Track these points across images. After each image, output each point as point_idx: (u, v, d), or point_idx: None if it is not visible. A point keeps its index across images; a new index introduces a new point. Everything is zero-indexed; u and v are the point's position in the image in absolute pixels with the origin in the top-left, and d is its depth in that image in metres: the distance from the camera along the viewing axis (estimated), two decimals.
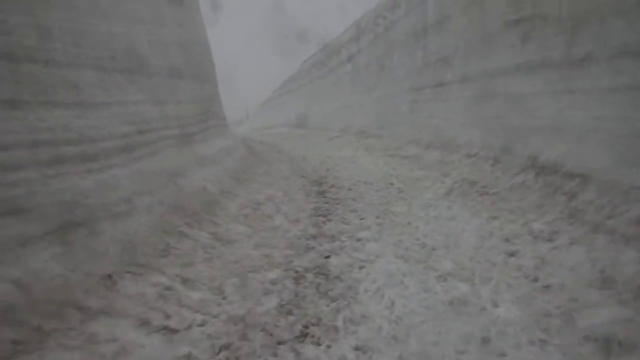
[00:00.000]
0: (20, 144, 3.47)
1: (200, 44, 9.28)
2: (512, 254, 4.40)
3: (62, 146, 3.91)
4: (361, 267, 4.39)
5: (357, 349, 3.05)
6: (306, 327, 3.30)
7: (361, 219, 6.10)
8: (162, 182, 5.36)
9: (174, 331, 3.08)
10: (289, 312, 3.48)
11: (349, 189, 7.94)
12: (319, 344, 3.09)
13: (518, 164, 6.97)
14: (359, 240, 5.22)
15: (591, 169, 5.20)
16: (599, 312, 3.15)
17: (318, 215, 6.30)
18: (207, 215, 5.44)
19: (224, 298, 3.65)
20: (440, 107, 11.96)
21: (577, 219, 4.60)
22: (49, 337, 2.69)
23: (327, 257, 4.71)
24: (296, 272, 4.27)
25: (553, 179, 5.81)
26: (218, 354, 2.92)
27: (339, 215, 6.33)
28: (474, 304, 3.53)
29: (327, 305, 3.60)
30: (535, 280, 3.81)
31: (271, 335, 3.16)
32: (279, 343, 3.08)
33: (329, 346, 3.07)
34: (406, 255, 4.66)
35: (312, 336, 3.18)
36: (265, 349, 3.00)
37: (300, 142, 16.93)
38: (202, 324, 3.23)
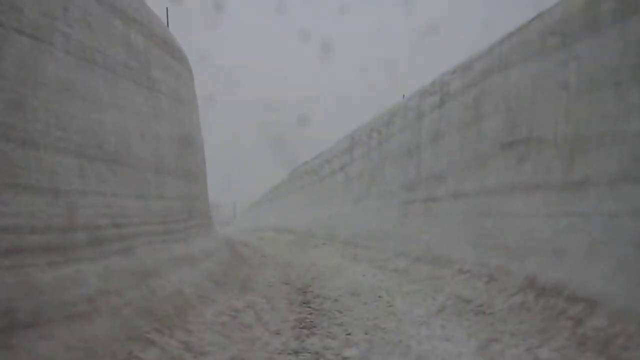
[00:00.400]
0: None
1: (194, 141, 9.19)
2: None
3: (24, 234, 3.54)
4: None
5: None
6: None
7: (348, 334, 5.60)
8: (133, 281, 4.92)
9: None
10: None
11: (335, 300, 7.47)
12: None
13: (515, 284, 6.60)
14: (345, 359, 4.71)
15: (598, 294, 4.85)
16: None
17: (302, 327, 5.80)
18: (179, 321, 4.94)
19: None
20: (431, 222, 11.76)
21: (588, 347, 4.18)
22: None
23: None
24: None
25: (555, 302, 5.43)
26: None
27: (324, 328, 5.83)
28: None
29: None
30: None
31: None
32: None
33: None
34: None
35: None
36: None
37: (287, 248, 16.52)
38: None
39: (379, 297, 7.77)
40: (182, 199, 7.66)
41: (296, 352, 4.80)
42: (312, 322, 6.11)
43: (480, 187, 9.74)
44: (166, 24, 9.63)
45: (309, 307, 6.94)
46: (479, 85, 10.33)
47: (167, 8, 11.20)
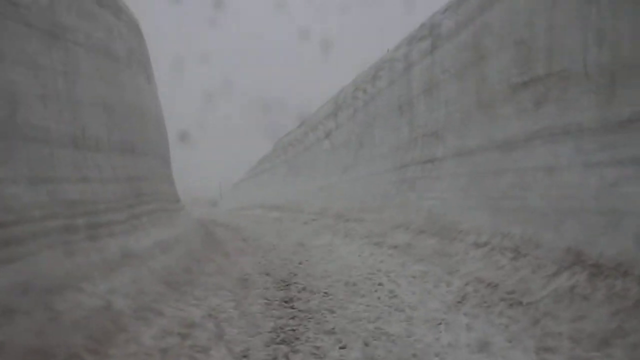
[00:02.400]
0: None
1: (141, 110, 7.51)
2: None
3: None
4: None
5: None
6: None
7: (342, 348, 4.10)
8: (23, 304, 3.34)
9: None
10: None
11: (325, 293, 5.95)
12: None
13: (553, 260, 5.09)
14: None
15: None
16: None
17: (279, 342, 4.27)
18: (93, 357, 3.38)
19: None
20: (432, 187, 10.24)
21: None
22: None
23: None
24: None
25: (625, 286, 3.92)
26: None
27: (309, 340, 4.31)
28: None
29: None
30: None
31: None
32: None
33: None
34: None
35: None
36: None
37: (272, 227, 14.97)
38: None
39: (379, 285, 6.27)
40: (122, 181, 6.04)
41: None
42: (294, 331, 4.59)
43: (488, 141, 8.20)
44: None
45: (292, 307, 5.41)
46: (478, 20, 8.70)
47: None
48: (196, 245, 8.37)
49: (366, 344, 4.17)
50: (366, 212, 12.79)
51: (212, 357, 3.85)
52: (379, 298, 5.65)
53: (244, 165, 37.11)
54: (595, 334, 3.56)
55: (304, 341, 4.30)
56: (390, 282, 6.37)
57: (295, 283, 6.59)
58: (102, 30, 6.30)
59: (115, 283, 4.58)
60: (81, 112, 5.18)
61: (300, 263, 8.24)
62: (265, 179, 28.76)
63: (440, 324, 4.57)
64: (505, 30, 7.73)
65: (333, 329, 4.60)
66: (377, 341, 4.22)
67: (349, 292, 6.00)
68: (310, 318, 4.98)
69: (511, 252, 5.94)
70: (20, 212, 3.77)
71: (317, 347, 4.14)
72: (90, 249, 4.65)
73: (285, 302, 5.63)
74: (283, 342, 4.28)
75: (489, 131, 8.28)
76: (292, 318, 4.99)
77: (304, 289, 6.25)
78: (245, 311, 5.16)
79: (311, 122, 21.59)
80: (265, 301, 5.63)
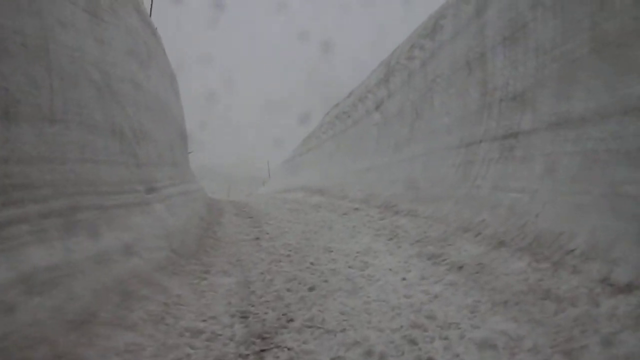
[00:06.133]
0: None
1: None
2: None
3: None
4: None
5: None
6: None
7: None
8: None
9: None
10: None
11: None
12: None
13: None
14: None
15: None
16: None
17: None
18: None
19: None
20: (515, 172, 7.05)
21: None
22: None
23: None
24: None
25: None
26: None
27: None
28: None
29: None
30: None
31: None
32: None
33: None
34: None
35: None
36: None
37: (304, 218, 12.11)
38: None
39: None
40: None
41: None
42: None
43: (615, 102, 5.02)
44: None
45: None
46: None
47: None
48: (163, 254, 5.63)
49: None
50: (421, 204, 9.70)
51: None
52: None
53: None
54: None
55: None
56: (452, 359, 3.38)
57: (277, 347, 3.71)
58: None
59: None
60: None
61: (311, 289, 5.35)
62: (311, 158, 25.86)
63: None
64: None
65: None
66: None
67: None
68: None
69: None
70: None
71: None
72: None
73: None
74: None
75: (614, 86, 5.07)
76: None
77: None
78: None
79: (360, 91, 18.44)
80: None
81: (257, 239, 8.75)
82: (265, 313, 4.52)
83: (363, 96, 17.67)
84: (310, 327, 4.16)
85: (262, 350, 3.67)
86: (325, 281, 5.74)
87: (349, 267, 6.50)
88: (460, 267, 5.53)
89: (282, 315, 4.48)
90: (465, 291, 4.75)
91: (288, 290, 5.36)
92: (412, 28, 11.20)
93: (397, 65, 14.19)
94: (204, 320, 4.25)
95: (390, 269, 6.18)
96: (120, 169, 5.70)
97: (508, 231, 5.94)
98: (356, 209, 12.42)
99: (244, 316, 4.43)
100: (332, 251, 7.63)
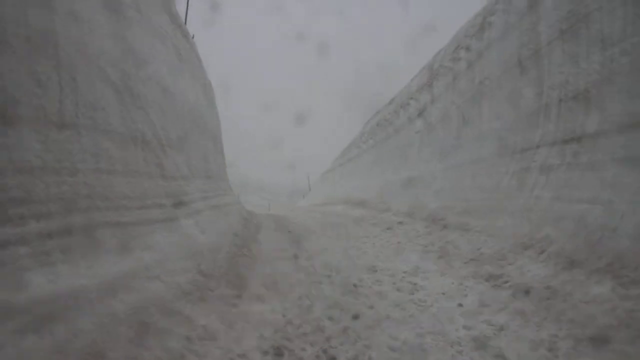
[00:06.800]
0: None
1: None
2: None
3: None
4: None
5: None
6: None
7: None
8: None
9: None
10: None
11: None
12: None
13: None
14: None
15: None
16: None
17: None
18: None
19: None
20: (581, 180, 6.25)
21: None
22: None
23: None
24: None
25: None
26: None
27: None
28: None
29: None
30: None
31: None
32: None
33: None
34: None
35: None
36: None
37: (345, 232, 11.47)
38: None
39: None
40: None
41: None
42: None
43: None
44: None
45: None
46: None
47: None
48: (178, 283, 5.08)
49: None
50: (472, 216, 8.92)
51: None
52: None
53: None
54: None
55: None
56: None
57: None
58: None
59: None
60: None
61: (355, 318, 4.70)
62: (351, 169, 25.18)
63: None
64: None
65: None
66: None
67: None
68: None
69: None
70: None
71: None
72: None
73: None
74: None
75: None
76: None
77: None
78: None
79: (401, 98, 17.72)
80: None
81: (296, 256, 8.15)
82: (303, 349, 3.90)
83: (405, 103, 16.95)
84: None
85: None
86: (371, 307, 5.08)
87: (397, 289, 5.82)
88: (527, 292, 4.78)
89: (322, 352, 3.85)
90: (537, 323, 4.01)
91: (329, 318, 4.73)
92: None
93: (441, 69, 13.44)
94: (231, 359, 3.65)
95: (442, 292, 5.47)
96: (142, 180, 5.19)
97: (579, 249, 5.16)
98: (400, 222, 11.69)
99: (279, 353, 3.82)
100: (376, 271, 6.96)
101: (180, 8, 10.52)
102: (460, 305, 4.88)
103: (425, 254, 7.84)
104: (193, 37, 10.67)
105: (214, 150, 10.84)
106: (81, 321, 3.29)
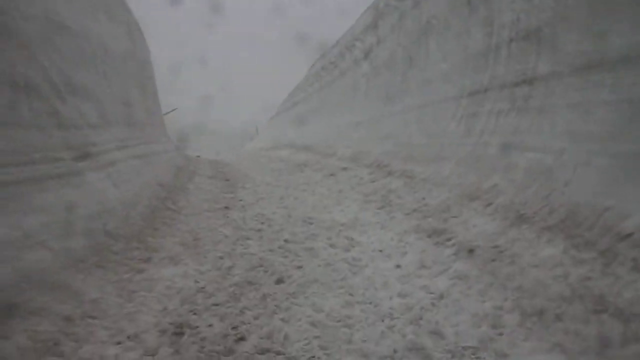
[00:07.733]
0: None
1: None
2: None
3: None
4: None
5: None
6: None
7: None
8: None
9: None
10: None
11: None
12: None
13: None
14: None
15: None
16: None
17: None
18: None
19: None
20: (531, 127, 5.77)
21: None
22: None
23: None
24: None
25: None
26: None
27: None
28: None
29: None
30: None
31: None
32: None
33: None
34: None
35: None
36: None
37: (286, 180, 10.86)
38: None
39: None
40: None
41: None
42: None
43: None
44: None
45: None
46: None
47: None
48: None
49: None
50: (417, 163, 8.44)
51: None
52: None
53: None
54: None
55: None
56: None
57: None
58: None
59: None
60: None
61: (278, 282, 4.14)
62: (297, 112, 24.35)
63: None
64: None
65: None
66: None
67: None
68: None
69: None
70: None
71: None
72: None
73: None
74: None
75: None
76: None
77: None
78: None
79: (346, 39, 16.87)
80: None
81: (227, 208, 7.50)
82: (210, 325, 3.30)
83: (350, 44, 16.12)
84: (265, 351, 2.95)
85: None
86: (299, 268, 4.53)
87: (331, 245, 5.29)
88: (471, 251, 4.31)
89: (232, 329, 3.26)
90: (480, 290, 3.53)
91: (249, 283, 4.15)
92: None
93: (386, 8, 12.64)
94: (119, 343, 3.02)
95: (380, 250, 4.96)
96: (25, 132, 4.34)
97: (528, 202, 4.71)
98: (344, 168, 11.16)
99: (179, 332, 3.21)
100: (312, 223, 6.41)
101: None
102: (397, 266, 4.39)
103: (366, 203, 7.34)
104: None
105: (140, 96, 9.87)
106: None
